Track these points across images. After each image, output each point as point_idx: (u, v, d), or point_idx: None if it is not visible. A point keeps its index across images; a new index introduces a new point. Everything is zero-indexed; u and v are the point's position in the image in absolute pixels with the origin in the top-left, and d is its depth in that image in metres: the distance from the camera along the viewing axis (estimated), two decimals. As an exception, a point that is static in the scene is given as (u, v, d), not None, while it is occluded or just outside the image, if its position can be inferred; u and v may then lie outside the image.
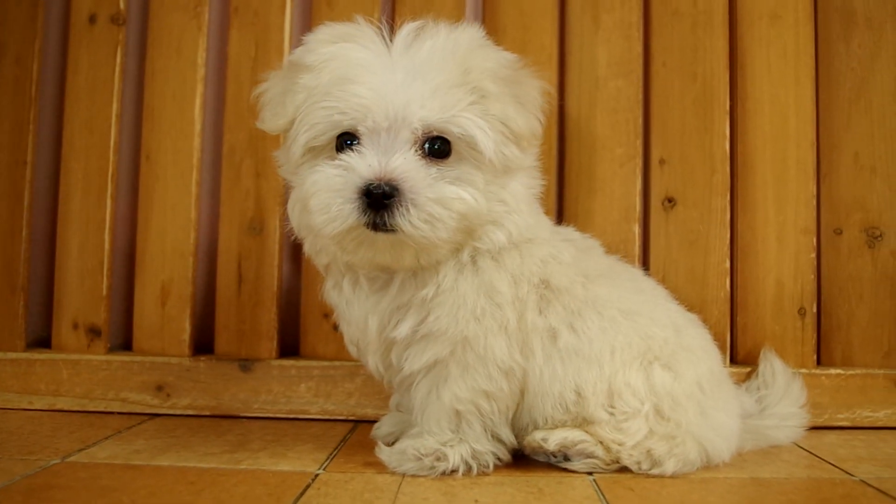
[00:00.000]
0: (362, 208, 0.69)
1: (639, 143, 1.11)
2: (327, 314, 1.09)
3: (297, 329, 1.13)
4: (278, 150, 0.81)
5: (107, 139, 1.13)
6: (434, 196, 0.70)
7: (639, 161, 1.10)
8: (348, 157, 0.71)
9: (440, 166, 0.71)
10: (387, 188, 0.68)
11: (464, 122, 0.70)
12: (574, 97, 1.12)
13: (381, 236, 0.70)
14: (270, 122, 0.76)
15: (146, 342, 1.12)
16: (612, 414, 0.79)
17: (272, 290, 1.10)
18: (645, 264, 1.10)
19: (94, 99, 1.14)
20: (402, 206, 0.69)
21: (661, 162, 1.11)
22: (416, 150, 0.71)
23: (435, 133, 0.71)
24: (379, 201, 0.69)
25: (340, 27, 0.75)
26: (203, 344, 1.14)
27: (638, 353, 0.81)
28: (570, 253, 0.83)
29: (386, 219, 0.69)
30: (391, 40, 0.73)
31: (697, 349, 0.85)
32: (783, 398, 0.95)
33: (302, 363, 1.08)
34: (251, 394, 1.08)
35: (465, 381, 0.77)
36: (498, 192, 0.76)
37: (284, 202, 1.07)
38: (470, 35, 0.75)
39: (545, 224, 0.85)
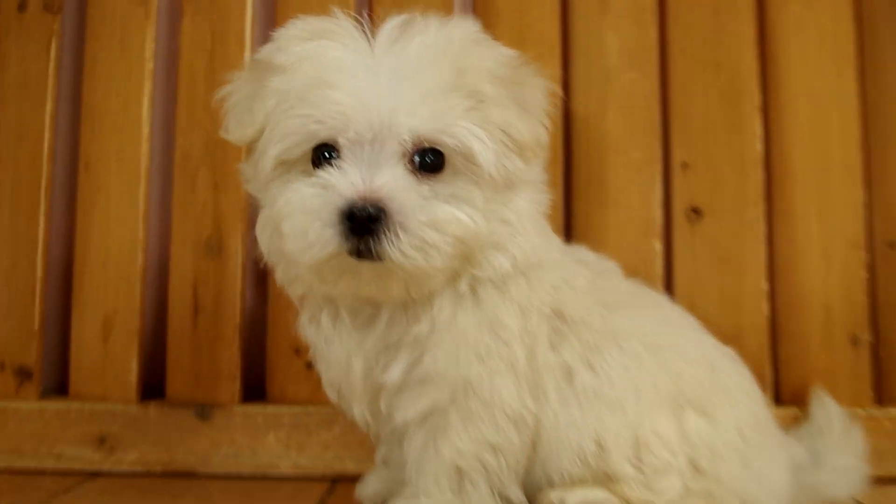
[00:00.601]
0: (344, 233, 0.67)
1: (657, 144, 1.07)
2: (299, 349, 1.06)
3: (263, 368, 1.08)
4: (243, 161, 0.78)
5: (39, 145, 1.10)
6: (426, 218, 0.68)
7: (658, 166, 1.07)
8: (327, 174, 0.68)
9: (433, 182, 0.69)
10: (372, 210, 0.66)
11: (459, 132, 0.68)
12: (581, 93, 1.08)
13: (365, 265, 0.68)
14: (236, 131, 0.74)
15: (86, 385, 1.07)
16: (639, 469, 0.75)
17: (234, 321, 1.06)
18: (668, 287, 1.05)
19: (24, 99, 1.11)
20: (389, 230, 0.66)
21: (684, 166, 1.07)
22: (405, 165, 0.68)
23: (426, 145, 0.68)
24: (363, 225, 0.66)
25: (315, 22, 0.73)
26: (153, 386, 1.09)
27: (667, 395, 0.78)
28: (586, 277, 0.80)
29: (371, 245, 0.66)
30: (374, 37, 0.71)
31: (736, 390, 0.82)
32: (840, 447, 0.90)
33: (270, 409, 1.04)
34: (210, 446, 1.03)
35: (469, 432, 0.75)
36: (500, 211, 0.72)
37: (248, 218, 1.06)
38: (464, 30, 0.72)
39: (555, 245, 0.81)
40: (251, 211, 1.10)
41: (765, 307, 1.05)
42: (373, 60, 0.69)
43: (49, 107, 1.10)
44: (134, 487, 0.96)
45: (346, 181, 0.67)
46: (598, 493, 0.76)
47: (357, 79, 0.68)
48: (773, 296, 1.06)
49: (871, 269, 1.05)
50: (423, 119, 0.67)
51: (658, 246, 1.06)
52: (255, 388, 1.09)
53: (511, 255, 0.74)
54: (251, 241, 1.03)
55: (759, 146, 1.06)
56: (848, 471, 0.90)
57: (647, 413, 0.77)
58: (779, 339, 1.06)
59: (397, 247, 0.66)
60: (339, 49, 0.70)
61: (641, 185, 1.07)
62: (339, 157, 0.69)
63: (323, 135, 0.68)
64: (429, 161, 0.69)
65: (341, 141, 0.68)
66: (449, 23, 0.72)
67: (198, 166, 1.09)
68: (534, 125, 0.72)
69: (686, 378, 0.79)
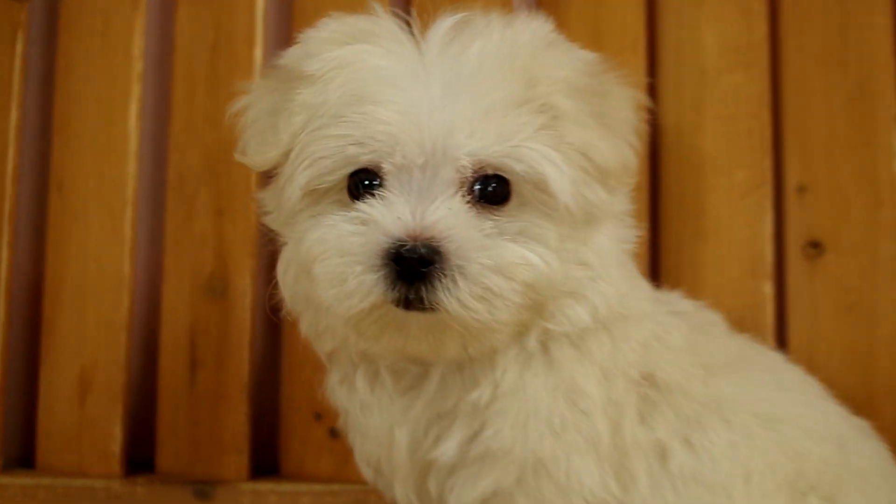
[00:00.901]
0: (390, 279, 0.64)
1: (767, 163, 1.02)
2: (321, 414, 1.02)
3: (276, 436, 1.06)
4: (264, 190, 0.76)
5: (2, 163, 1.07)
6: (491, 261, 0.65)
7: (768, 189, 1.02)
8: (368, 206, 0.66)
9: (497, 216, 0.67)
10: (424, 251, 0.63)
11: (530, 156, 0.66)
12: (671, 100, 1.04)
13: (415, 317, 0.65)
14: (256, 154, 0.71)
15: (57, 456, 1.05)
16: None
17: (241, 378, 1.03)
18: (781, 341, 1.00)
19: None
20: (445, 275, 0.64)
21: (801, 190, 1.02)
22: (463, 195, 0.66)
23: (489, 171, 0.66)
24: (413, 269, 0.63)
25: (352, 21, 0.71)
26: (141, 458, 1.06)
27: (785, 479, 0.74)
28: (682, 333, 0.77)
29: (423, 293, 0.64)
30: (424, 40, 0.69)
31: (871, 472, 0.78)
32: None
33: (285, 486, 1.01)
34: None
35: None
36: (578, 251, 0.71)
37: (258, 251, 1.02)
38: (534, 31, 0.71)
39: (644, 292, 0.78)
40: (263, 242, 1.07)
41: None
42: (424, 69, 0.68)
43: (13, 115, 1.07)
44: None
45: (393, 215, 0.65)
46: None
47: (405, 91, 0.67)
48: None
49: None
50: (485, 140, 0.66)
51: (768, 289, 1.01)
52: (266, 461, 1.07)
53: (591, 306, 0.72)
54: (262, 279, 1.01)
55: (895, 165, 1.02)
56: None
57: (758, 500, 0.73)
58: None
59: (455, 296, 0.64)
60: (382, 55, 0.69)
61: (747, 212, 1.02)
62: (382, 185, 0.67)
63: (364, 159, 0.66)
64: (492, 190, 0.67)
65: (386, 167, 0.66)
66: (515, 22, 0.71)
67: (197, 188, 1.07)
68: (619, 146, 0.70)
69: (808, 457, 0.76)
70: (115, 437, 1.02)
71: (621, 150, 0.70)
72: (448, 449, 0.71)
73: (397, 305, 0.64)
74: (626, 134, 0.71)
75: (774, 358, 0.85)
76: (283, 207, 0.72)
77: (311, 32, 0.71)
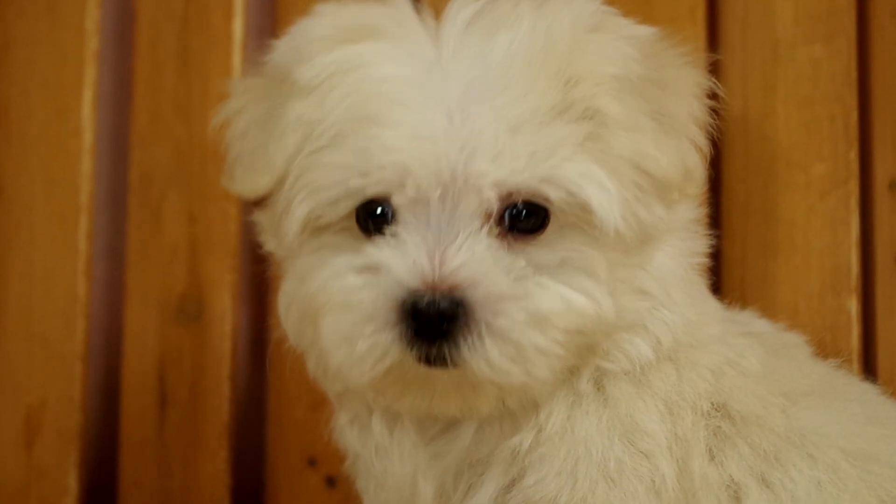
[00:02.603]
0: (407, 338, 0.61)
1: (853, 155, 0.96)
2: (314, 459, 0.99)
3: (262, 486, 1.02)
4: (259, 212, 0.73)
5: None
6: (525, 314, 0.61)
7: (854, 186, 0.95)
8: (378, 248, 0.63)
9: (531, 248, 0.64)
10: (445, 305, 0.60)
11: (569, 178, 0.62)
12: (736, 79, 0.98)
13: (440, 373, 0.63)
14: (245, 180, 0.68)
15: None
16: None
17: (220, 418, 1.00)
18: (868, 365, 0.95)
19: None
20: (472, 331, 0.61)
21: (894, 187, 0.95)
22: (491, 228, 0.63)
23: (521, 199, 0.63)
24: (434, 326, 0.61)
25: (352, 13, 0.67)
26: None
27: None
28: (759, 357, 0.74)
29: (447, 351, 0.61)
30: (438, 32, 0.65)
31: None
32: None
33: None
34: None
35: None
36: (634, 278, 0.68)
37: (240, 267, 1.04)
38: (575, 14, 0.66)
39: (714, 312, 0.75)
40: (246, 255, 1.02)
41: None
42: (439, 75, 0.64)
43: None
44: None
45: (407, 261, 0.62)
46: None
47: (416, 108, 0.63)
48: None
49: None
50: (514, 163, 0.62)
51: (853, 306, 0.95)
52: (250, 515, 1.03)
53: (653, 338, 0.68)
54: (244, 300, 1.00)
55: None
56: None
57: None
58: None
59: (482, 356, 0.61)
60: (388, 59, 0.65)
61: (828, 215, 0.96)
62: (394, 217, 0.64)
63: (371, 192, 0.63)
64: (525, 219, 0.64)
65: (397, 200, 0.63)
66: (551, 3, 0.66)
67: (164, 191, 1.03)
68: (682, 151, 0.66)
69: None
70: (69, 490, 0.99)
71: (684, 156, 0.66)
72: (482, 501, 0.69)
73: (419, 361, 0.62)
74: (691, 133, 0.67)
75: (864, 388, 0.81)
76: (280, 237, 0.69)
77: (305, 27, 0.67)
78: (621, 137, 0.64)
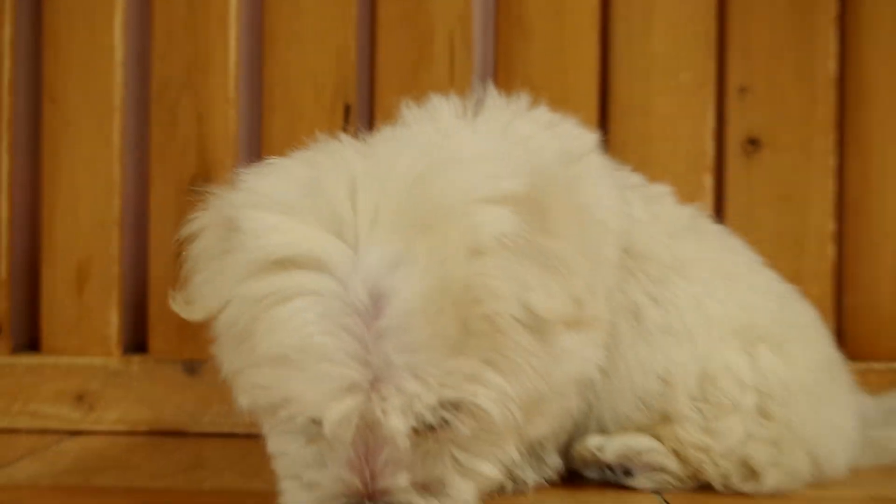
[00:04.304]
0: None
1: (712, 64, 1.11)
2: None
3: None
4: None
5: None
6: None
7: (711, 89, 1.11)
8: (312, 467, 0.64)
9: (450, 435, 0.64)
10: None
11: (467, 401, 0.61)
12: (622, 4, 1.12)
13: None
14: (184, 309, 0.68)
15: (60, 340, 1.14)
16: (700, 409, 0.81)
17: None
18: (719, 219, 1.06)
19: None
20: None
21: (742, 90, 1.11)
22: (409, 437, 0.61)
23: (429, 418, 0.61)
24: None
25: (279, 243, 0.61)
26: (136, 340, 1.15)
27: (739, 327, 0.83)
28: (643, 208, 0.84)
29: None
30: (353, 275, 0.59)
31: (809, 328, 0.87)
32: None
33: None
34: (200, 404, 1.09)
35: None
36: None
37: (238, 153, 1.10)
38: (466, 267, 0.61)
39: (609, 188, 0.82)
40: (243, 142, 1.15)
41: (830, 250, 1.11)
42: (351, 320, 0.59)
43: (7, 31, 1.14)
44: (120, 445, 1.04)
45: (338, 480, 0.63)
46: (643, 441, 0.81)
47: (327, 360, 0.59)
48: (840, 238, 1.11)
49: (959, 207, 1.09)
50: (419, 400, 0.60)
51: (709, 181, 1.12)
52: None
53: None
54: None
55: (832, 65, 1.10)
56: None
57: (718, 344, 0.82)
58: (846, 286, 1.12)
59: None
60: (302, 305, 0.59)
61: (692, 111, 1.11)
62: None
63: (296, 414, 0.62)
64: (438, 423, 0.62)
65: (323, 424, 0.60)
66: (447, 254, 0.61)
67: (178, 96, 1.14)
68: (569, 286, 0.64)
69: (758, 310, 0.84)
70: (111, 322, 1.12)
71: (571, 289, 0.63)
72: None
73: None
74: (577, 268, 0.64)
75: (719, 228, 0.93)
76: None
77: (255, 190, 0.64)
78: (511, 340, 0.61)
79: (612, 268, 0.78)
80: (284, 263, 0.59)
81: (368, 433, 0.61)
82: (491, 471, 0.66)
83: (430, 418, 0.60)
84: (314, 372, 0.58)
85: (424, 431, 0.62)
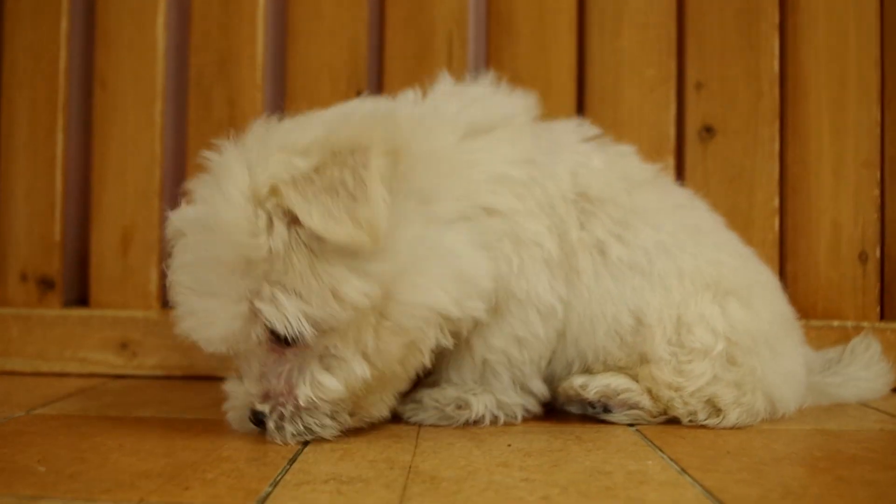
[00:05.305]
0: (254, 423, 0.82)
1: (672, 63, 1.21)
2: None
3: None
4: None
5: (55, 64, 1.25)
6: (293, 406, 0.77)
7: (672, 84, 1.21)
8: (231, 383, 0.84)
9: (294, 352, 0.77)
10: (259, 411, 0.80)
11: (265, 318, 0.74)
12: (596, 9, 1.22)
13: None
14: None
15: (106, 295, 1.25)
16: (675, 352, 0.85)
17: None
18: None
19: (38, 17, 1.24)
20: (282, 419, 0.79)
21: (698, 86, 1.21)
22: (269, 353, 0.78)
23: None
24: (259, 422, 0.80)
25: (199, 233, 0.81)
26: None
27: (711, 280, 0.88)
28: (599, 158, 0.89)
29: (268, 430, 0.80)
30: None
31: (769, 284, 0.93)
32: (854, 359, 1.03)
33: None
34: None
35: (501, 329, 0.84)
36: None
37: None
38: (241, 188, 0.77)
39: (561, 137, 0.90)
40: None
41: (774, 224, 1.20)
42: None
43: (63, 25, 1.25)
44: (157, 387, 1.15)
45: (244, 392, 0.81)
46: (621, 381, 0.87)
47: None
48: (783, 213, 1.21)
49: (883, 188, 1.20)
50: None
51: (671, 162, 1.21)
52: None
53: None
54: None
55: (775, 64, 1.21)
56: (857, 378, 1.01)
57: (691, 295, 0.86)
58: (787, 254, 1.21)
59: (284, 434, 0.79)
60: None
61: (655, 103, 1.21)
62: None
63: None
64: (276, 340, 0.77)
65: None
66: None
67: (212, 84, 1.25)
68: (357, 211, 0.71)
69: (726, 266, 0.88)
70: (151, 280, 1.24)
71: (360, 213, 0.69)
72: None
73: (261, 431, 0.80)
74: (367, 193, 0.70)
75: (684, 189, 0.99)
76: None
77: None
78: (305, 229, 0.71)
79: (540, 207, 0.82)
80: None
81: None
82: (328, 381, 0.75)
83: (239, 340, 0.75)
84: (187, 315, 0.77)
85: (286, 350, 0.74)
